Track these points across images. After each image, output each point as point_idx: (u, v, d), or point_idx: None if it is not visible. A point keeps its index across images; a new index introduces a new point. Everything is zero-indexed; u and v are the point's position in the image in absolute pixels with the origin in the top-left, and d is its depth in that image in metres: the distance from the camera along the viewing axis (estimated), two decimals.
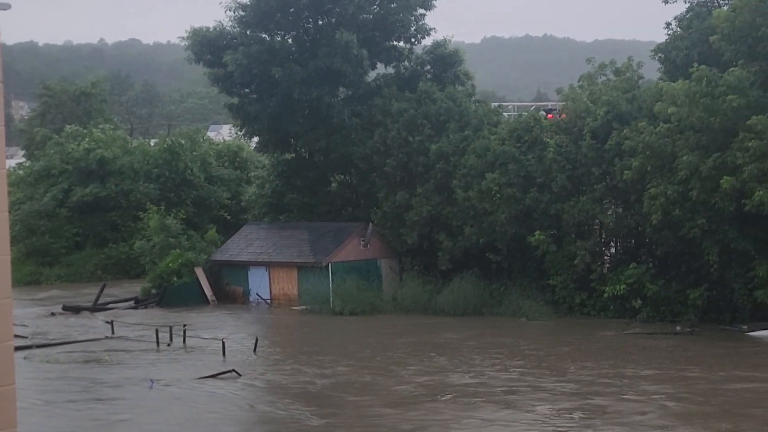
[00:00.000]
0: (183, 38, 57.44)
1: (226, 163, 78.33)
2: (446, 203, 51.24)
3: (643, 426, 26.88)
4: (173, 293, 53.78)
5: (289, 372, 35.45)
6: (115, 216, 70.56)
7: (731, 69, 42.18)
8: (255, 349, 39.17)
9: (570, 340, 41.33)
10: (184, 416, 29.29)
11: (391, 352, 39.00)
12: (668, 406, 29.18)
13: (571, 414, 28.41)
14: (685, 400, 29.88)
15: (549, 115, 51.97)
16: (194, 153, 74.79)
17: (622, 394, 30.65)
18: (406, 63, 58.55)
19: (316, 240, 53.79)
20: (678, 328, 42.88)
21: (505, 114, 57.29)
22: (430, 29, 57.54)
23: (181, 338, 41.37)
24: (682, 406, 29.21)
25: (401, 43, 58.11)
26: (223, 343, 38.61)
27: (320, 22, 56.59)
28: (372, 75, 59.04)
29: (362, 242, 53.15)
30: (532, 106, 61.76)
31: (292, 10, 55.75)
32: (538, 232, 47.63)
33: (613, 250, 49.97)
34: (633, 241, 49.21)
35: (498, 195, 48.63)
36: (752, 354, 37.80)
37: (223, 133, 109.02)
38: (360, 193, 57.36)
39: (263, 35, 56.56)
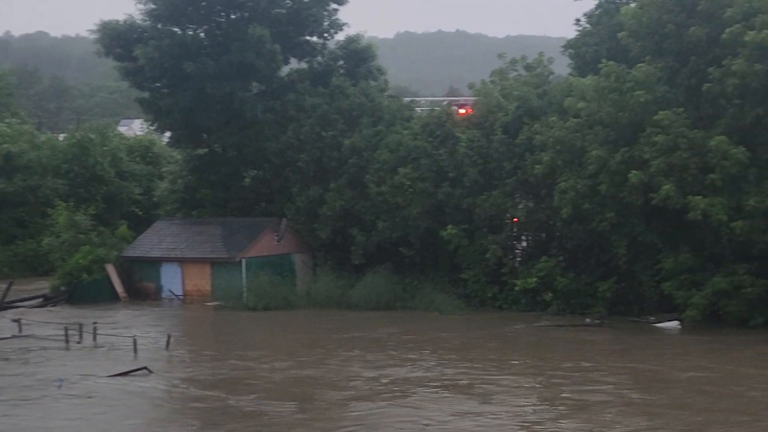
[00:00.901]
0: (92, 31, 56.75)
1: (138, 159, 77.34)
2: (359, 198, 51.37)
3: (633, 414, 27.29)
4: (83, 290, 52.97)
5: (210, 367, 35.16)
6: (23, 212, 69.22)
7: (639, 65, 43.00)
8: (167, 346, 38.86)
9: (496, 333, 41.55)
10: (94, 414, 28.94)
11: (321, 348, 38.82)
12: (641, 397, 29.49)
13: (555, 406, 28.59)
14: (648, 391, 30.17)
15: (465, 110, 52.07)
16: (105, 148, 73.66)
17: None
18: (320, 58, 58.53)
19: (229, 235, 53.49)
20: (588, 320, 43.54)
21: (417, 109, 57.63)
22: (343, 24, 57.78)
23: (92, 336, 40.80)
24: (654, 397, 29.51)
25: (314, 38, 58.08)
26: (135, 341, 38.20)
27: (232, 16, 56.22)
28: (285, 70, 58.90)
29: (276, 237, 53.01)
30: (444, 101, 62.15)
31: (203, 3, 55.34)
32: (450, 227, 48.02)
33: (524, 243, 50.54)
34: (544, 234, 49.82)
35: (410, 189, 48.92)
36: (674, 345, 38.62)
37: (135, 127, 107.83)
38: (273, 188, 57.13)
39: (175, 29, 56.06)
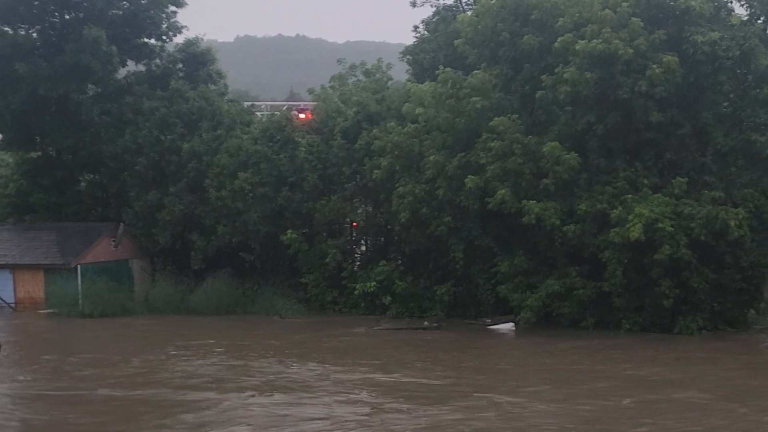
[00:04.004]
0: None
1: None
2: (199, 203, 50.92)
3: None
4: None
5: (41, 376, 34.26)
6: None
7: (475, 72, 43.81)
8: None
9: (381, 339, 41.11)
10: None
11: (156, 352, 38.16)
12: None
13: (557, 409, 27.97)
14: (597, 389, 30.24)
15: (305, 115, 52.34)
16: None
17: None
18: (158, 61, 57.77)
19: (64, 241, 52.25)
20: (426, 323, 44.09)
21: (257, 113, 57.55)
22: (182, 27, 57.20)
23: None
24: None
25: (152, 41, 57.32)
26: None
27: (67, 17, 55.06)
28: (122, 72, 57.89)
29: (113, 243, 52.06)
30: (284, 105, 62.24)
31: (36, 3, 54.04)
32: (290, 231, 48.04)
33: (363, 248, 50.96)
34: (383, 239, 50.32)
35: (251, 194, 48.79)
36: (544, 345, 39.05)
37: None
38: (111, 193, 56.14)
39: (6, 28, 54.57)
